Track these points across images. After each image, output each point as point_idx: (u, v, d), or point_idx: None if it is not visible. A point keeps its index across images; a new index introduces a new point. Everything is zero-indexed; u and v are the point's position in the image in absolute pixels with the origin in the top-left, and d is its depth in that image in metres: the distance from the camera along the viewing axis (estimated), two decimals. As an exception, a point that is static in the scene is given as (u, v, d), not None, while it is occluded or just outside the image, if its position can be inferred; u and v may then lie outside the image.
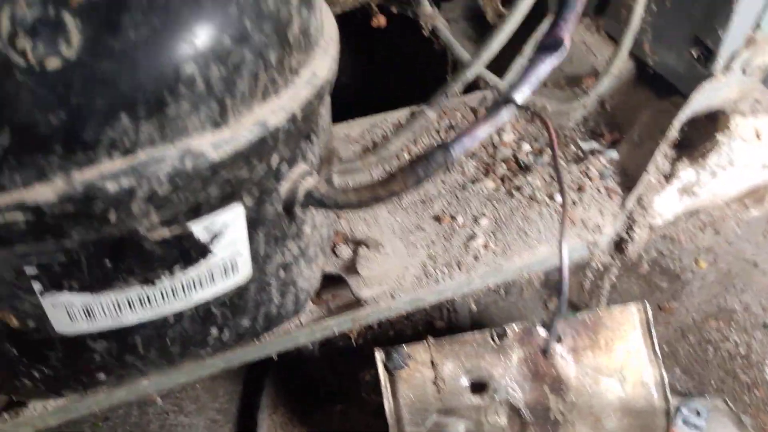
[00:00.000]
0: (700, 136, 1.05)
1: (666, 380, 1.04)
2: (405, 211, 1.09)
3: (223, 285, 0.71)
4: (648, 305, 1.04)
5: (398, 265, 0.98)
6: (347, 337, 1.34)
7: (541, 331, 1.05)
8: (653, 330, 1.04)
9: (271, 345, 0.92)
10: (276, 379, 1.28)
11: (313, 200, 0.71)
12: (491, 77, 1.17)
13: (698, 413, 1.21)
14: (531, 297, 1.44)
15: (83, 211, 0.54)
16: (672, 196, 1.08)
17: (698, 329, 1.38)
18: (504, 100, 0.68)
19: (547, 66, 0.68)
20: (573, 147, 1.17)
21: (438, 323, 1.36)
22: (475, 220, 1.06)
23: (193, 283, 0.68)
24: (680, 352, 1.34)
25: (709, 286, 1.45)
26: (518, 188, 1.11)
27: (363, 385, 1.25)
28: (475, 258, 1.01)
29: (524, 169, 1.15)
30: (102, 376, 0.75)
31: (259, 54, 0.57)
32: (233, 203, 0.65)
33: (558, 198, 1.08)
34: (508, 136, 1.22)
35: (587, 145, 1.14)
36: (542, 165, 1.14)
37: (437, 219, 1.07)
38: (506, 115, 0.69)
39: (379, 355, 1.03)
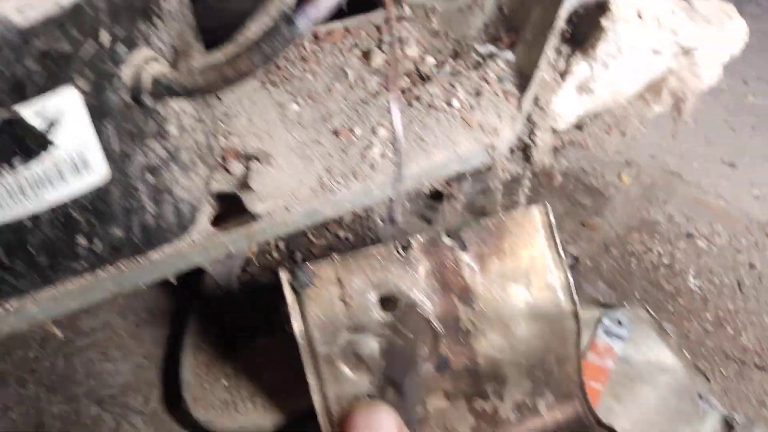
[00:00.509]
0: (591, 28, 1.04)
1: (572, 282, 1.03)
2: (304, 128, 1.07)
3: (78, 185, 0.69)
4: (548, 206, 1.03)
5: (293, 178, 0.96)
6: (267, 271, 1.33)
7: (447, 240, 1.04)
8: (556, 232, 1.03)
9: (162, 265, 0.89)
10: (199, 319, 1.26)
11: (162, 87, 0.68)
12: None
13: (620, 323, 1.21)
14: (455, 223, 1.43)
15: None
16: (570, 95, 1.07)
17: (621, 243, 1.38)
18: (346, -36, 0.66)
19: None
20: (474, 54, 1.15)
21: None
22: (373, 131, 1.05)
23: (41, 179, 0.66)
24: (603, 266, 1.34)
25: (632, 200, 1.46)
26: (417, 98, 1.09)
27: (284, 317, 1.23)
28: (372, 167, 0.99)
29: (425, 79, 1.13)
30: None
31: None
32: (64, 85, 0.62)
33: (455, 104, 1.06)
34: (412, 51, 1.21)
35: (484, 49, 1.13)
36: (443, 75, 1.13)
37: (335, 133, 1.05)
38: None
39: (284, 275, 1.01)
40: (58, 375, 1.25)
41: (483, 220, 1.04)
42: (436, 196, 1.42)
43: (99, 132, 0.67)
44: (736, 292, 1.28)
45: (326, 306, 1.02)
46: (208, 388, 1.18)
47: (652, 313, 1.20)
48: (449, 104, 1.06)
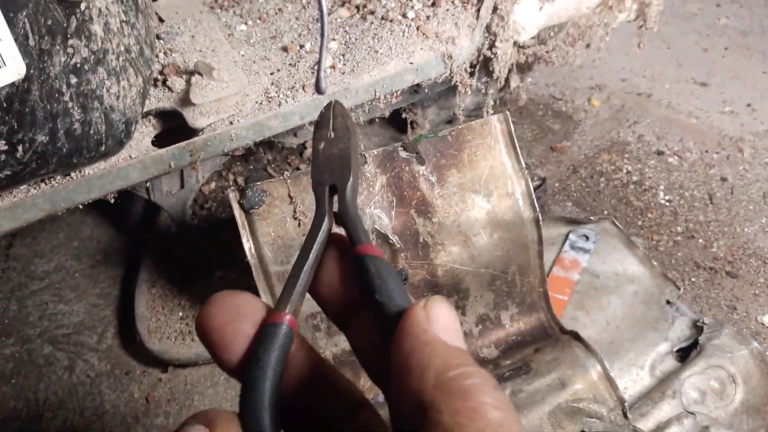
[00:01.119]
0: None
1: (532, 189, 0.99)
2: (252, 46, 1.02)
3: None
4: (509, 116, 0.99)
5: (237, 91, 0.91)
6: (226, 208, 1.28)
7: (403, 154, 1.00)
8: (515, 141, 0.99)
9: (97, 181, 0.85)
10: (155, 257, 1.22)
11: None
12: None
13: (586, 237, 1.18)
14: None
15: None
16: (531, 4, 1.03)
17: (590, 164, 1.34)
18: None
19: None
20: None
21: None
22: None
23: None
24: (572, 187, 1.31)
25: (602, 122, 1.42)
26: (372, 12, 1.04)
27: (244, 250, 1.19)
28: (323, 80, 0.94)
29: (379, -6, 1.08)
30: None
31: None
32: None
33: (411, 14, 1.01)
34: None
35: (440, -41, 1.07)
36: (400, -12, 1.08)
37: (285, 49, 1.00)
38: None
39: (232, 195, 0.97)
40: (11, 318, 1.21)
41: (441, 132, 1.00)
42: (401, 124, 1.38)
43: (11, 23, 0.62)
44: (708, 205, 1.25)
45: (278, 224, 0.98)
46: (163, 320, 1.14)
47: (620, 226, 1.18)
48: (404, 15, 1.01)
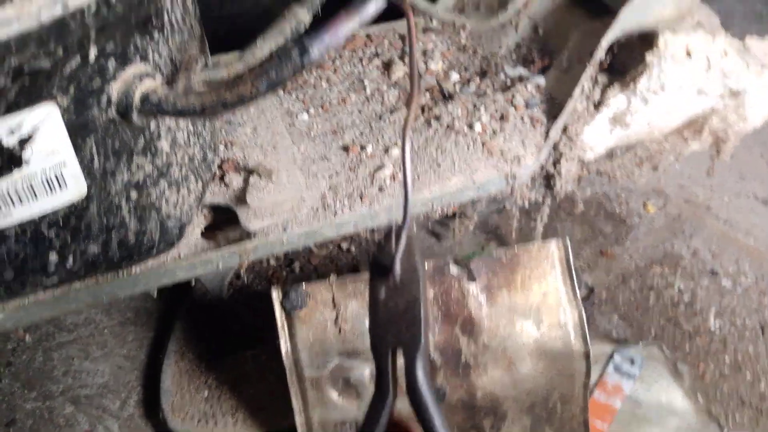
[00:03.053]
0: (633, 60, 0.96)
1: (585, 321, 0.96)
2: (312, 140, 1.00)
3: (51, 202, 0.62)
4: (568, 242, 0.96)
5: (294, 195, 0.89)
6: (265, 281, 1.26)
7: (454, 269, 0.96)
8: (573, 268, 0.96)
9: (143, 279, 0.83)
10: (186, 324, 1.20)
11: (151, 105, 0.61)
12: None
13: (632, 361, 1.14)
14: (467, 242, 1.36)
15: None
16: (603, 127, 0.99)
17: (641, 275, 1.30)
18: (368, -13, 0.58)
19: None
20: (502, 75, 1.07)
21: (363, 268, 1.28)
22: (386, 150, 0.97)
23: (9, 197, 0.59)
24: (620, 298, 1.27)
25: (657, 230, 1.38)
26: (437, 117, 1.01)
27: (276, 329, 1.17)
28: (380, 189, 0.92)
29: (448, 97, 1.05)
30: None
31: None
32: (42, 101, 0.55)
33: (477, 127, 0.99)
34: (436, 65, 1.13)
35: (514, 72, 1.05)
36: (467, 94, 1.05)
37: (345, 149, 0.98)
38: (372, 8, 0.59)
39: (275, 293, 0.95)
40: (36, 370, 1.20)
41: (495, 251, 0.97)
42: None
43: (78, 148, 0.61)
44: (759, 336, 1.20)
45: (318, 329, 0.96)
46: (188, 398, 1.12)
47: (667, 352, 1.13)
48: (470, 127, 0.99)
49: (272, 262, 1.26)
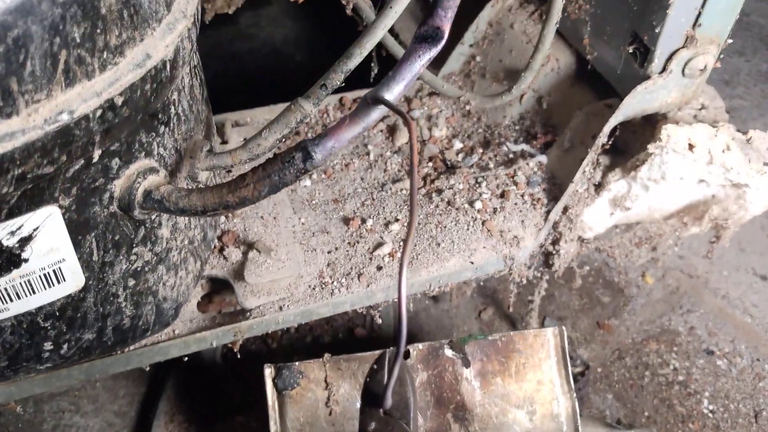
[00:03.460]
0: (636, 143, 0.96)
1: (578, 414, 0.95)
2: (313, 209, 1.00)
3: (48, 296, 0.62)
4: (564, 331, 0.95)
5: (292, 272, 0.89)
6: (260, 341, 1.25)
7: (449, 353, 0.96)
8: (568, 358, 0.95)
9: (136, 357, 0.83)
10: (177, 385, 1.19)
11: (153, 202, 0.61)
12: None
13: (625, 445, 1.13)
14: (464, 305, 1.36)
15: None
16: (603, 208, 1.00)
17: (637, 351, 1.29)
18: (373, 98, 0.58)
19: (423, 60, 0.59)
20: (505, 148, 1.07)
21: (358, 330, 1.27)
22: (387, 225, 0.97)
23: (6, 293, 0.59)
24: (615, 375, 1.26)
25: (654, 303, 1.37)
26: (439, 191, 1.01)
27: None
28: (379, 268, 0.92)
29: (450, 168, 1.06)
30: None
31: (52, 29, 0.48)
32: (44, 204, 0.55)
33: (478, 205, 0.99)
34: (439, 132, 1.13)
35: (517, 147, 1.05)
36: (470, 166, 1.05)
37: (346, 221, 0.98)
38: (376, 114, 0.59)
39: (268, 372, 0.94)
40: (25, 423, 1.18)
41: (491, 336, 0.96)
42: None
43: (78, 245, 0.60)
44: (752, 423, 1.19)
45: (309, 409, 0.94)
46: (178, 464, 1.11)
47: (660, 440, 1.12)
48: (471, 204, 0.99)
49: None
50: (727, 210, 0.97)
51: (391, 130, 1.13)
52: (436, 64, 1.18)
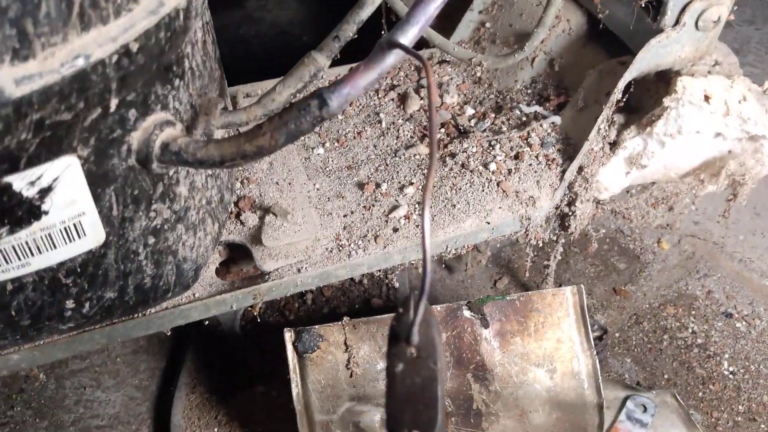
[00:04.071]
0: (649, 97, 0.96)
1: (599, 371, 0.95)
2: (327, 176, 1.00)
3: (69, 250, 0.62)
4: (583, 289, 0.95)
5: (308, 236, 0.89)
6: (278, 314, 1.26)
7: (467, 314, 0.96)
8: (587, 317, 0.95)
9: (157, 320, 0.83)
10: (198, 357, 1.20)
11: (171, 155, 0.61)
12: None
13: (645, 408, 1.12)
14: (479, 275, 1.35)
15: None
16: (618, 168, 0.99)
17: (654, 316, 1.29)
18: (388, 43, 0.58)
19: (438, 1, 0.58)
20: (518, 112, 1.07)
21: (375, 301, 1.27)
22: (401, 188, 0.97)
23: (27, 247, 0.59)
24: (633, 340, 1.25)
25: (671, 269, 1.36)
26: (452, 155, 1.01)
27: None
28: (395, 230, 0.92)
29: (463, 134, 1.05)
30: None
31: (68, -29, 0.48)
32: (63, 154, 0.55)
33: (492, 167, 0.98)
34: (451, 99, 1.13)
35: (529, 110, 1.04)
36: (483, 131, 1.05)
37: (361, 186, 0.98)
38: (391, 59, 0.59)
39: (288, 335, 0.94)
40: (47, 398, 1.20)
41: (510, 296, 0.96)
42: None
43: (98, 198, 0.61)
44: (773, 384, 1.19)
45: (330, 372, 0.95)
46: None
47: (680, 400, 1.12)
48: (485, 166, 0.98)
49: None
50: (744, 165, 0.96)
51: (402, 99, 1.13)
52: (446, 33, 1.18)
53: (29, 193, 0.56)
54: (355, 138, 1.07)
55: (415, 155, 1.03)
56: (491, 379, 0.95)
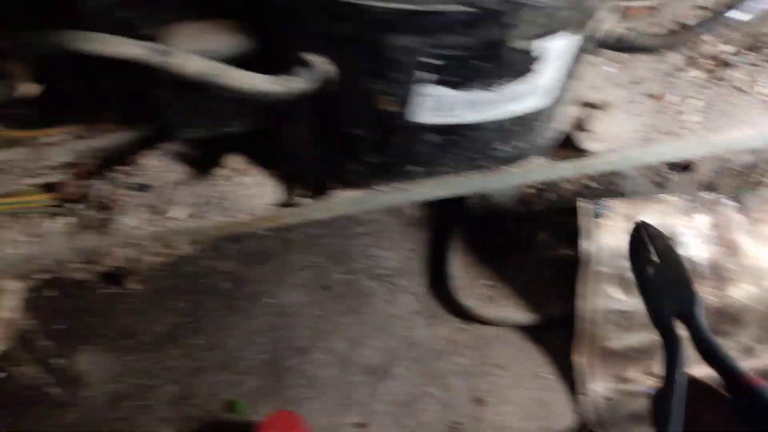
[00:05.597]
0: None
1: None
2: (620, 87, 1.24)
3: (528, 104, 0.88)
4: None
5: (620, 126, 1.14)
6: (543, 203, 1.51)
7: (728, 201, 1.20)
8: None
9: (509, 177, 1.08)
10: (463, 231, 1.46)
11: (611, 39, 0.87)
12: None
13: None
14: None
15: (492, 14, 0.72)
16: None
17: None
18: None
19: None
20: (771, 50, 1.28)
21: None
22: (683, 99, 1.21)
23: (517, 96, 0.85)
24: None
25: None
26: (721, 79, 1.24)
27: (541, 243, 1.43)
28: (685, 128, 1.16)
29: (727, 65, 1.28)
30: (419, 169, 0.94)
31: None
32: (561, 32, 0.81)
33: (758, 89, 1.21)
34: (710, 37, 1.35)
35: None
36: (745, 64, 1.27)
37: (649, 96, 1.22)
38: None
39: (583, 205, 1.20)
40: (338, 251, 1.48)
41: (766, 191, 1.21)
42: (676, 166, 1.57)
43: (557, 70, 0.86)
44: None
45: (613, 235, 1.21)
46: (470, 284, 1.40)
47: None
48: (753, 89, 1.21)
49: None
50: None
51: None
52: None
53: (538, 55, 0.82)
54: (631, 60, 1.30)
55: (687, 77, 1.26)
56: (741, 254, 1.20)
